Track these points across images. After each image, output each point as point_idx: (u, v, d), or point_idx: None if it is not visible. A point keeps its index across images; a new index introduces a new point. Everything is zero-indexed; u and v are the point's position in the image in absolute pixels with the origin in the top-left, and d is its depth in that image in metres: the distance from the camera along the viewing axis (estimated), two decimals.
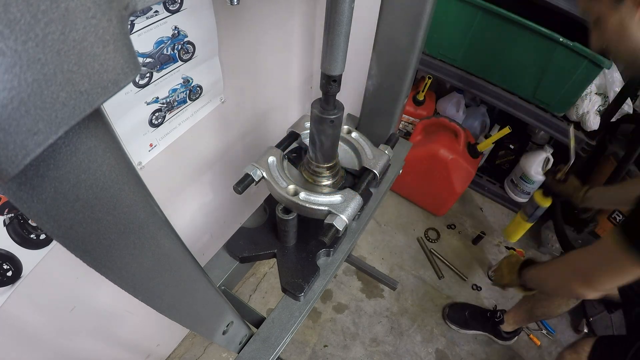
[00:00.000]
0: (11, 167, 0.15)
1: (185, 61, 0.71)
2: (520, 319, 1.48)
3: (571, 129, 1.24)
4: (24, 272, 0.61)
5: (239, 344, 0.66)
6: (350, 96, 1.63)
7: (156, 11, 0.60)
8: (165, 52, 0.66)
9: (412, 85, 0.85)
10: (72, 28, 0.15)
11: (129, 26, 0.56)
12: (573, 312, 1.71)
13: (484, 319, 1.56)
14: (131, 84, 0.63)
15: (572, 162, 1.23)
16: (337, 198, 0.61)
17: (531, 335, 1.62)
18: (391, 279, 1.61)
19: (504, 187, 2.05)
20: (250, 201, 1.33)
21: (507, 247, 1.68)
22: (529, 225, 1.46)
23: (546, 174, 1.32)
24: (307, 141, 0.72)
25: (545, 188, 1.33)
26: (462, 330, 1.58)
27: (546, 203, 1.33)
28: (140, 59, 0.62)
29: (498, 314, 1.53)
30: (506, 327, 1.52)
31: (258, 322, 0.71)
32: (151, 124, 0.73)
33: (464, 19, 1.54)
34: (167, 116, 0.75)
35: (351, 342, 1.53)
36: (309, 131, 0.70)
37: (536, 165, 1.82)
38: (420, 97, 1.93)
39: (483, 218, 2.02)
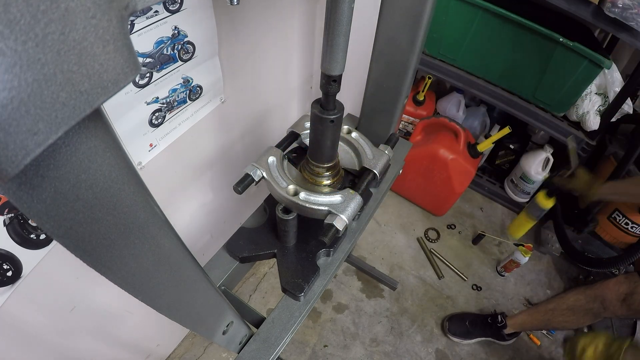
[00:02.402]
0: (11, 167, 0.15)
1: (185, 61, 0.71)
2: (531, 326, 1.47)
3: (570, 142, 1.27)
4: (24, 272, 0.61)
5: (239, 344, 0.66)
6: (350, 96, 1.63)
7: (156, 11, 0.60)
8: (165, 52, 0.66)
9: (412, 85, 0.85)
10: (72, 28, 0.15)
11: (129, 26, 0.56)
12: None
13: (485, 326, 1.55)
14: (131, 84, 0.63)
15: (577, 162, 1.24)
16: (337, 198, 0.61)
17: (531, 335, 1.62)
18: (391, 279, 1.61)
19: (504, 187, 2.05)
20: (250, 201, 1.33)
21: (515, 244, 1.68)
22: (533, 222, 1.46)
23: (551, 176, 1.32)
24: (307, 141, 0.72)
25: (549, 188, 1.32)
26: (464, 341, 1.56)
27: (550, 204, 1.33)
28: (140, 59, 0.62)
29: (499, 319, 1.52)
30: (509, 330, 1.52)
31: (258, 322, 0.71)
32: (151, 124, 0.73)
33: (464, 19, 1.54)
34: (167, 116, 0.75)
35: (351, 342, 1.53)
36: (309, 131, 0.70)
37: (536, 165, 1.82)
38: (420, 97, 1.93)
39: (483, 218, 2.02)
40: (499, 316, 1.52)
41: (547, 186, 1.34)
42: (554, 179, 1.29)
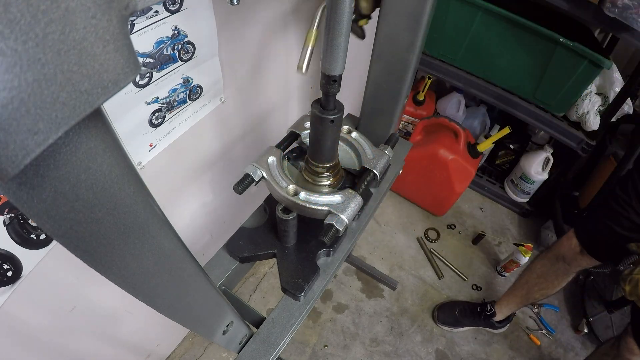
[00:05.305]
0: (11, 167, 0.15)
1: (185, 61, 0.71)
2: (515, 304, 1.48)
3: None
4: (24, 272, 0.62)
5: (239, 344, 0.66)
6: (350, 96, 1.63)
7: (156, 11, 0.60)
8: (165, 52, 0.66)
9: (412, 85, 0.85)
10: (72, 28, 0.15)
11: (129, 26, 0.56)
12: (573, 312, 1.71)
13: (474, 314, 1.56)
14: (131, 84, 0.63)
15: None
16: (337, 198, 0.61)
17: (531, 335, 1.62)
18: (391, 279, 1.61)
19: (504, 187, 2.05)
20: (250, 201, 1.33)
21: (515, 244, 1.69)
22: None
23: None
24: (307, 141, 0.72)
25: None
26: (455, 330, 1.58)
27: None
28: (140, 59, 0.62)
29: (488, 307, 1.53)
30: (498, 316, 1.53)
31: (258, 322, 0.71)
32: (151, 124, 0.73)
33: (464, 19, 1.54)
34: (167, 116, 0.75)
35: (351, 342, 1.53)
36: (309, 131, 0.70)
37: (536, 165, 1.82)
38: (420, 97, 1.93)
39: (483, 218, 2.02)
40: (488, 305, 1.54)
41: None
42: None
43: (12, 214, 0.56)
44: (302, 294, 0.69)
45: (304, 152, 0.70)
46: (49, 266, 0.65)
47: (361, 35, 0.81)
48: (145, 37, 0.61)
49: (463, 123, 2.02)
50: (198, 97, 0.80)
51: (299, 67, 0.72)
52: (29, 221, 0.59)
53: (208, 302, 0.49)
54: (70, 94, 0.16)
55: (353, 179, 0.71)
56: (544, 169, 1.82)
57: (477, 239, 1.88)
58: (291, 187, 0.63)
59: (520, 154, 1.95)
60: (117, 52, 0.17)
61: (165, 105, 0.73)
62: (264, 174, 0.64)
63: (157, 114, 0.72)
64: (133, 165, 0.25)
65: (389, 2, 0.71)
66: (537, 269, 1.34)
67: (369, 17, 0.80)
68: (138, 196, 0.27)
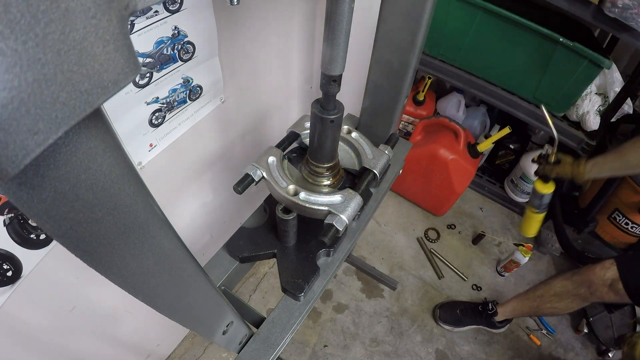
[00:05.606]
0: (11, 167, 0.15)
1: (185, 61, 0.71)
2: (521, 313, 1.48)
3: (543, 108, 1.17)
4: (24, 272, 0.61)
5: (239, 344, 0.66)
6: (350, 96, 1.63)
7: (156, 11, 0.60)
8: (165, 52, 0.66)
9: (412, 85, 0.85)
10: (72, 28, 0.15)
11: (129, 26, 0.56)
12: (573, 312, 1.71)
13: (476, 314, 1.57)
14: (131, 84, 0.63)
15: (557, 142, 1.18)
16: (337, 198, 0.61)
17: (531, 335, 1.62)
18: (391, 279, 1.61)
19: (504, 187, 2.05)
20: (250, 201, 1.33)
21: (515, 244, 1.69)
22: (541, 215, 1.34)
23: (538, 161, 1.25)
24: (307, 141, 0.72)
25: (542, 175, 1.25)
26: (456, 329, 1.58)
27: (549, 189, 1.26)
28: (140, 59, 0.62)
29: (490, 306, 1.54)
30: (499, 317, 1.53)
31: (258, 322, 0.71)
32: (151, 124, 0.73)
33: (464, 19, 1.54)
34: (167, 116, 0.75)
35: (351, 342, 1.53)
36: (309, 131, 0.70)
37: (536, 165, 1.82)
38: (420, 97, 1.93)
39: (483, 218, 2.02)
40: (490, 304, 1.54)
41: (538, 173, 1.26)
42: (538, 169, 1.24)
43: (12, 214, 0.56)
44: (302, 294, 0.69)
45: (304, 152, 0.70)
46: (49, 266, 0.65)
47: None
48: (145, 37, 0.61)
49: (463, 123, 2.02)
50: (198, 97, 0.80)
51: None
52: (29, 221, 0.59)
53: (208, 302, 0.49)
54: (70, 94, 0.16)
55: (353, 179, 0.71)
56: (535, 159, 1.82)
57: (477, 239, 1.88)
58: (291, 187, 0.63)
59: (520, 154, 1.95)
60: (117, 52, 0.17)
61: (165, 105, 0.73)
62: (264, 174, 0.64)
63: (157, 114, 0.72)
64: (133, 165, 0.25)
65: (389, 2, 0.71)
66: (556, 287, 1.32)
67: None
68: (138, 196, 0.27)
